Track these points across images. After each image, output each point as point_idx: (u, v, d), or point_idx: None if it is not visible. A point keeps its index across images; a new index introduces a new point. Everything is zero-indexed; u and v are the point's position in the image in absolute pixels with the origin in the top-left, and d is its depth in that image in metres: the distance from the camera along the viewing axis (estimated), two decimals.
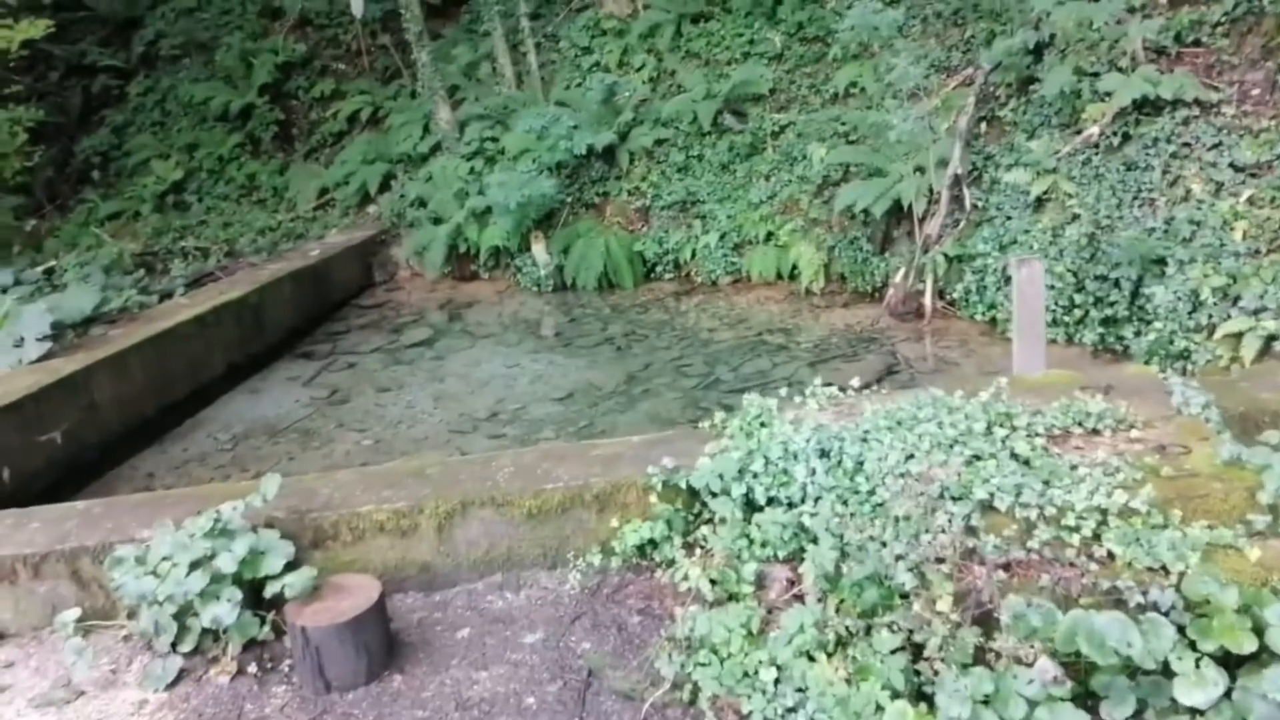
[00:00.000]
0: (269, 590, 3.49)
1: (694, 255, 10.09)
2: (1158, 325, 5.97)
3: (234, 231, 12.53)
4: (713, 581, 3.41)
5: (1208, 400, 3.75)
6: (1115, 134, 7.11)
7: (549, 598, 3.79)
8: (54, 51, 15.25)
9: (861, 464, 3.34)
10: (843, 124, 9.69)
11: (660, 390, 7.51)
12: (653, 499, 3.83)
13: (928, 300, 8.13)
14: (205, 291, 8.64)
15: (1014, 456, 3.31)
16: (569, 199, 10.78)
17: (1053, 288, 7.03)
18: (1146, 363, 6.05)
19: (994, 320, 7.69)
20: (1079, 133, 7.38)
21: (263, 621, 3.56)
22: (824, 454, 3.45)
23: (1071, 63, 7.46)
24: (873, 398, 4.12)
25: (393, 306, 10.57)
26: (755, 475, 3.60)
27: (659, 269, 10.31)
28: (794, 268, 9.35)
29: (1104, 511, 3.00)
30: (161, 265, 11.44)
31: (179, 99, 14.35)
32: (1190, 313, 5.82)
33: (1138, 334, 6.40)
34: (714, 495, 3.67)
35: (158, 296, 9.29)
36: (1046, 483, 3.12)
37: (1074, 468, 3.23)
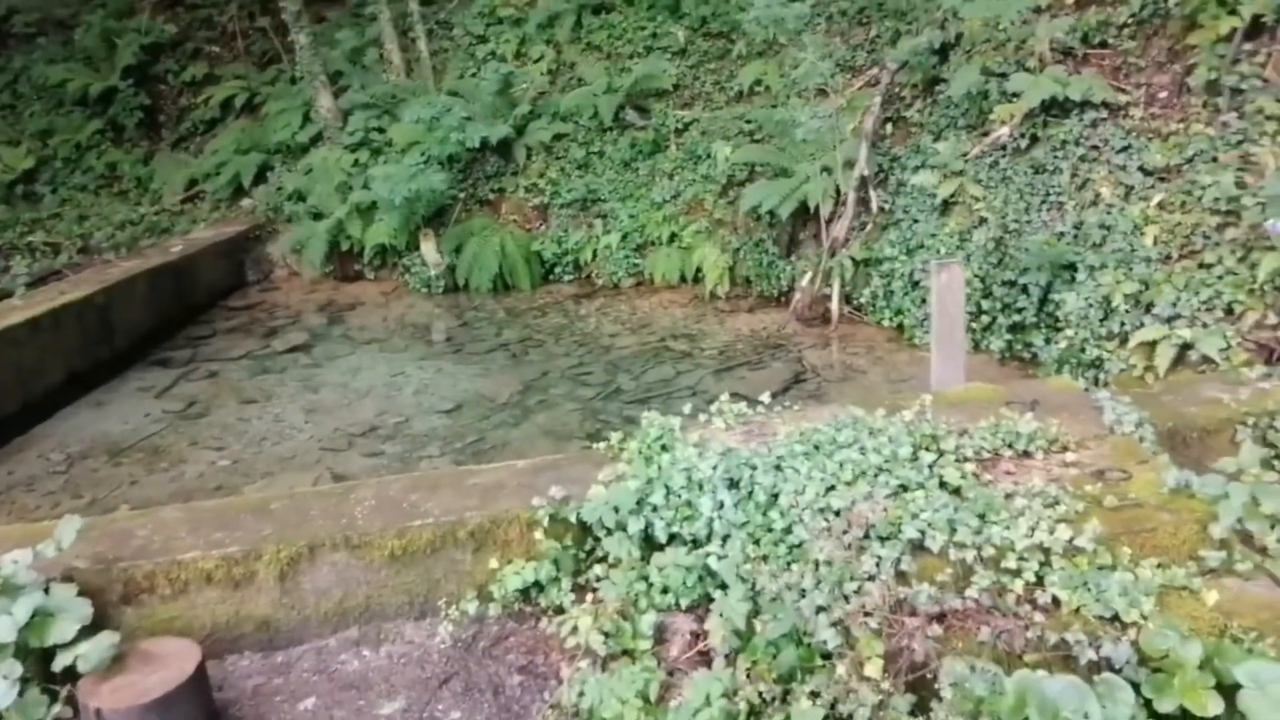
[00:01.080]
0: (59, 662, 2.84)
1: (595, 256, 9.60)
2: (1068, 333, 5.78)
3: (91, 225, 11.42)
4: (605, 634, 2.93)
5: (1141, 418, 3.46)
6: (1023, 136, 6.95)
7: (415, 655, 3.23)
8: None
9: (776, 496, 2.90)
10: (748, 122, 9.36)
11: (557, 401, 6.99)
12: (538, 535, 3.32)
13: (834, 305, 7.84)
14: (46, 292, 7.68)
15: (944, 486, 2.94)
16: (462, 195, 10.15)
17: None
18: (1057, 371, 5.86)
19: (901, 326, 7.44)
20: (986, 134, 7.20)
21: (53, 699, 2.89)
22: (733, 484, 3.01)
23: (978, 63, 7.28)
24: (786, 416, 3.71)
25: (266, 308, 9.72)
26: (655, 508, 3.13)
27: (558, 270, 9.78)
28: (698, 270, 8.96)
29: (1047, 551, 2.64)
30: (3, 261, 10.31)
31: (32, 81, 13.06)
32: (1102, 320, 5.64)
33: (1047, 341, 6.21)
34: (608, 532, 3.18)
35: None
36: (982, 517, 2.74)
37: (1009, 498, 2.87)
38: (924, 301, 7.21)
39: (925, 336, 7.11)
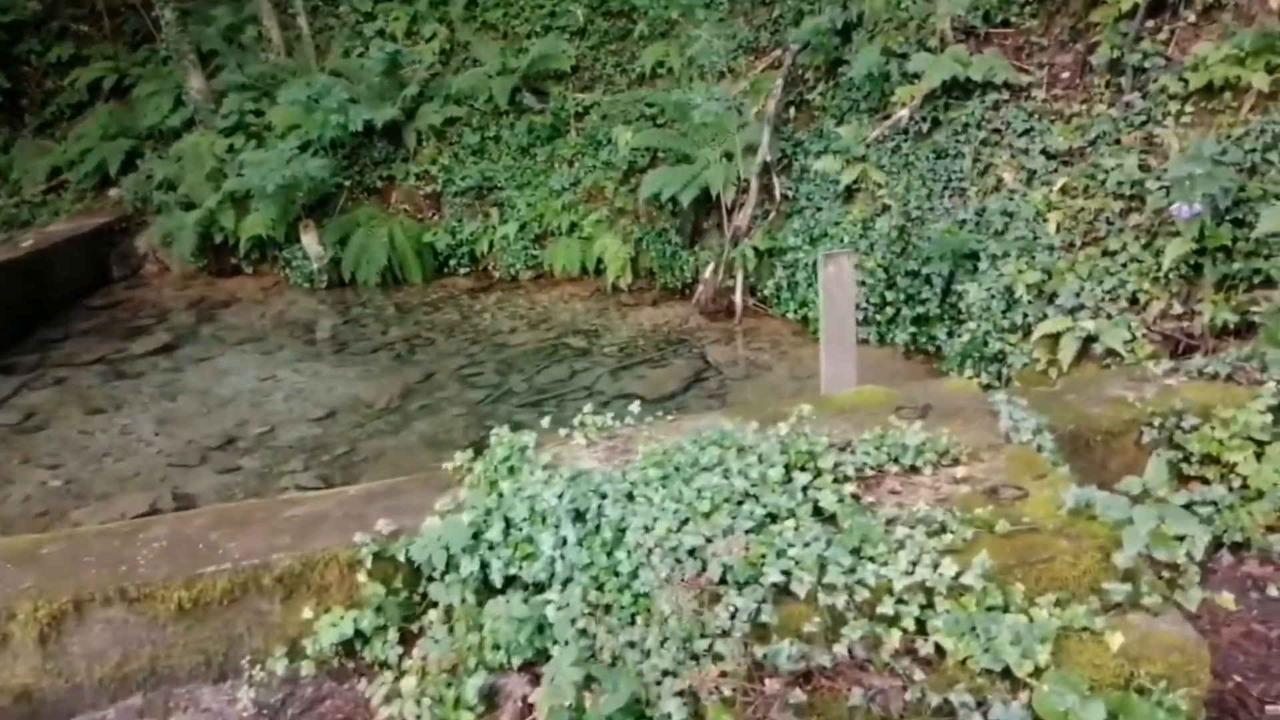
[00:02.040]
0: None
1: (492, 248, 9.07)
2: (971, 325, 5.51)
3: None
4: (428, 699, 2.47)
5: (1039, 424, 3.14)
6: (924, 119, 6.67)
7: None
8: None
9: (623, 532, 2.47)
10: (650, 105, 8.93)
11: (442, 406, 6.47)
12: (361, 578, 2.84)
13: (738, 298, 7.48)
14: None
15: (818, 513, 2.55)
16: (347, 183, 9.50)
17: (863, 284, 6.52)
18: (961, 364, 5.59)
19: (806, 319, 7.11)
20: (888, 118, 6.91)
21: None
22: (579, 516, 2.57)
23: (880, 43, 6.98)
24: (655, 428, 3.28)
25: (130, 307, 8.95)
26: (492, 546, 2.68)
27: (453, 262, 9.22)
28: (599, 262, 8.51)
29: (929, 591, 2.27)
30: None
31: None
32: (1004, 312, 5.38)
33: (950, 334, 5.94)
34: (438, 575, 2.72)
35: None
36: (857, 551, 2.36)
37: (891, 525, 2.49)
38: None
39: None
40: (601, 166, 8.89)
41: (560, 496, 2.65)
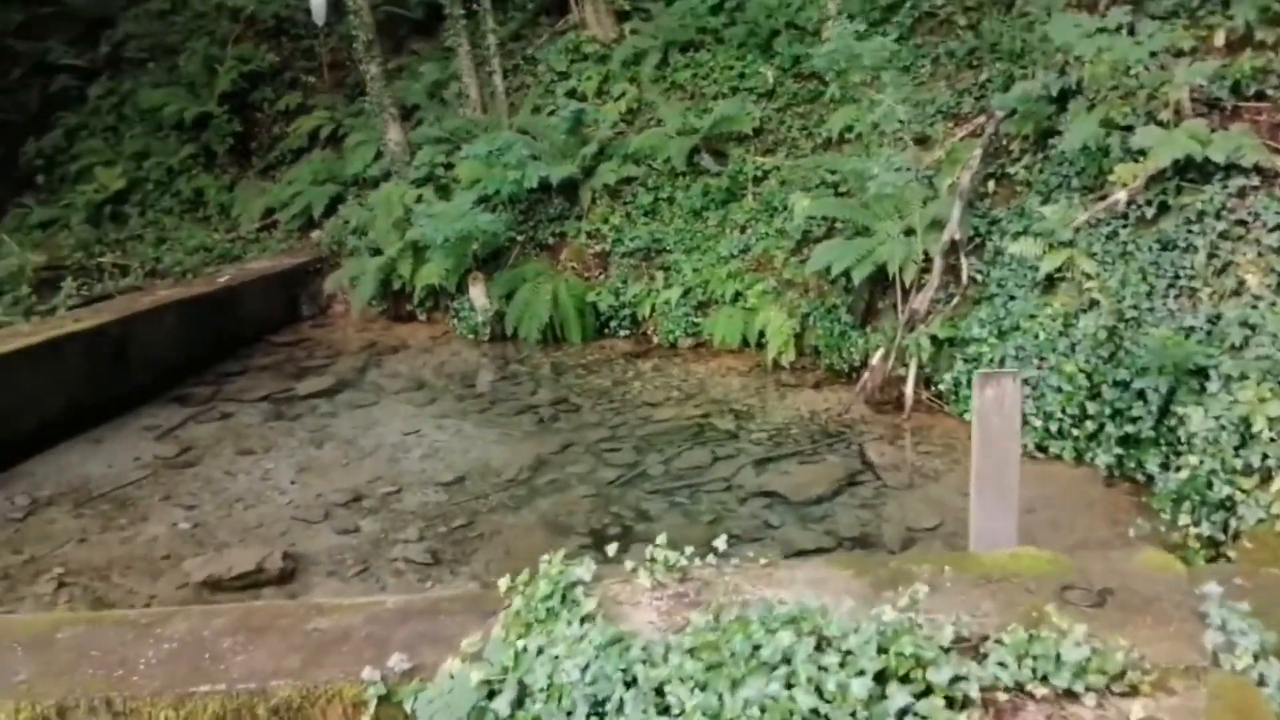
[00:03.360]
0: None
1: (653, 311, 8.71)
2: (1192, 460, 4.47)
3: (166, 249, 11.39)
4: None
5: (1263, 644, 2.27)
6: (1149, 203, 5.66)
7: None
8: (17, 47, 14.40)
9: None
10: (831, 172, 8.30)
11: (571, 482, 6.09)
12: None
13: (909, 390, 6.66)
14: (53, 321, 7.38)
15: None
16: (521, 238, 9.48)
17: (1060, 390, 5.57)
18: (1175, 506, 4.55)
19: None
20: (1103, 198, 5.94)
21: None
22: (596, 708, 2.02)
23: (1100, 113, 6.04)
24: (744, 572, 2.69)
25: (309, 346, 9.28)
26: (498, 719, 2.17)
27: (613, 324, 8.93)
28: (761, 335, 7.92)
29: None
30: (77, 281, 10.30)
31: (136, 104, 13.30)
32: (1237, 448, 4.31)
33: (1165, 465, 4.89)
34: None
35: (24, 317, 8.12)
36: None
37: None
38: None
39: None
40: (774, 234, 8.35)
41: (584, 671, 2.11)
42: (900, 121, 6.55)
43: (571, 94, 10.62)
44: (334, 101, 12.73)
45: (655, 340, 8.69)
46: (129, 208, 12.35)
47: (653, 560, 2.73)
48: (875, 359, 6.89)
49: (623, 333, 8.90)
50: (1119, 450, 5.29)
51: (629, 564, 2.76)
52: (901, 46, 8.85)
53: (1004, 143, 7.25)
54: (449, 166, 10.15)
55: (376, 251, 9.84)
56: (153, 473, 6.34)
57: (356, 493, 6.00)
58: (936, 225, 6.90)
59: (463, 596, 2.98)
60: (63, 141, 13.37)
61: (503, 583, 2.74)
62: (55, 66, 14.18)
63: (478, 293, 9.02)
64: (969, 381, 6.31)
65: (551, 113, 10.29)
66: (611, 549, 2.89)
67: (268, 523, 5.62)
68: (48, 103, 14.10)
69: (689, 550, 2.81)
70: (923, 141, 8.06)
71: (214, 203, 12.27)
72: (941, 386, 6.62)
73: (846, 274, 7.14)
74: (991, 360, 6.14)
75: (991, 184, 7.12)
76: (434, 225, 8.50)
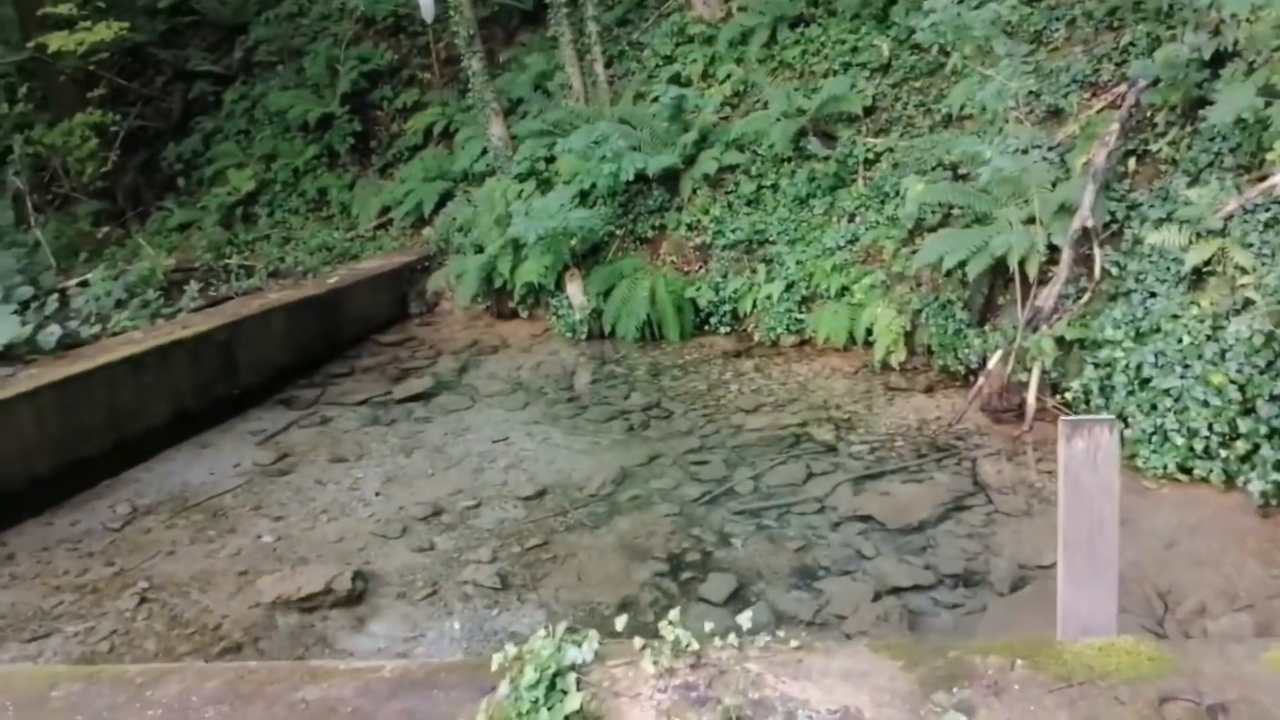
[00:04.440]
0: None
1: (755, 307, 8.26)
2: None
3: (290, 249, 11.78)
4: None
5: None
6: None
7: None
8: (161, 56, 15.23)
9: None
10: (950, 153, 7.60)
11: (654, 499, 5.79)
12: None
13: (1030, 397, 5.99)
14: (164, 327, 7.64)
15: None
16: (620, 231, 9.21)
17: (1207, 404, 4.84)
18: None
19: (1121, 438, 5.47)
20: (1261, 179, 5.09)
21: None
22: None
23: (1259, 79, 5.17)
24: (764, 657, 2.31)
25: (413, 345, 9.33)
26: None
27: (713, 320, 8.54)
28: (869, 332, 7.36)
29: None
30: (202, 283, 10.77)
31: (266, 108, 13.80)
32: None
33: None
34: None
35: (149, 320, 8.49)
36: None
37: None
38: (1154, 407, 5.24)
39: (1153, 456, 5.17)
40: (885, 223, 7.73)
41: None
42: (1014, 101, 5.81)
43: (676, 79, 10.23)
44: (447, 97, 12.79)
45: (756, 338, 8.24)
46: (258, 208, 12.85)
47: (661, 641, 2.39)
48: (992, 362, 6.24)
49: (723, 329, 8.50)
50: (1277, 476, 4.54)
51: (637, 642, 2.43)
52: (1032, 9, 8.02)
53: (1146, 115, 6.40)
54: (550, 160, 9.98)
55: (479, 249, 9.78)
56: (248, 481, 6.45)
57: (437, 506, 5.90)
58: (1066, 211, 6.15)
59: (462, 665, 2.73)
60: (200, 145, 14.05)
61: (496, 659, 2.47)
62: (194, 73, 14.93)
63: (575, 290, 8.82)
64: (1101, 389, 5.63)
65: (654, 100, 9.93)
66: (620, 623, 2.55)
67: (348, 537, 5.59)
68: (188, 108, 14.88)
69: (708, 627, 2.45)
70: (1055, 115, 7.26)
71: (336, 202, 12.58)
72: (1070, 394, 5.92)
73: (961, 267, 6.49)
74: (1126, 366, 5.41)
75: (1131, 163, 6.30)
76: (527, 222, 8.33)
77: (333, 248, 11.62)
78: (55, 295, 9.35)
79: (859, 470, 5.89)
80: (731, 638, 2.40)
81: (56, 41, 11.04)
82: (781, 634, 2.42)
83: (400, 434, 7.18)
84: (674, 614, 2.45)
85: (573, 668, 2.29)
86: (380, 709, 2.48)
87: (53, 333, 7.93)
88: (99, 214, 13.18)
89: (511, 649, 2.46)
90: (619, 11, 11.76)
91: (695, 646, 2.36)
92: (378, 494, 6.17)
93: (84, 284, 10.09)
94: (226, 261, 11.16)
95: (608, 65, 11.11)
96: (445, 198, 11.18)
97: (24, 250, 11.95)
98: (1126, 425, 5.38)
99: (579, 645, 2.34)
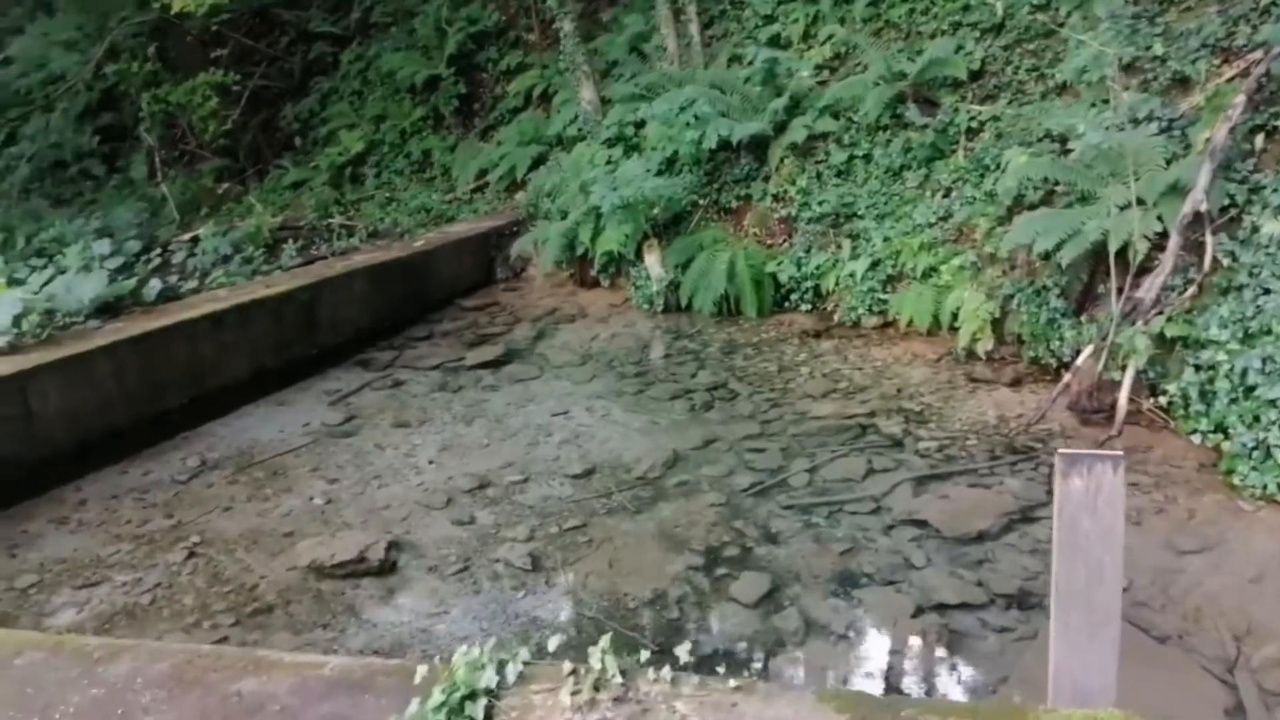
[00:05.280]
0: None
1: (837, 284, 7.85)
2: None
3: (392, 210, 12.03)
4: None
5: None
6: None
7: None
8: (286, 17, 15.71)
9: None
10: (1051, 125, 6.93)
11: (702, 486, 5.59)
12: None
13: (1122, 398, 5.43)
14: (250, 285, 7.88)
15: None
16: (703, 201, 8.91)
17: None
18: None
19: (1220, 451, 4.90)
20: None
21: None
22: None
23: None
24: (694, 698, 2.11)
25: (494, 311, 9.35)
26: None
27: (794, 297, 8.19)
28: (955, 317, 6.87)
29: None
30: (303, 241, 11.13)
31: (379, 69, 14.06)
32: None
33: None
34: None
35: (247, 277, 8.83)
36: None
37: None
38: (1257, 419, 4.65)
39: (1252, 474, 4.62)
40: (982, 199, 7.16)
41: None
42: (1112, 68, 5.19)
43: (775, 40, 9.78)
44: (547, 60, 12.67)
45: (837, 317, 7.84)
46: (366, 169, 13.16)
47: (586, 670, 2.21)
48: (1082, 357, 5.69)
49: (804, 307, 8.14)
50: None
51: (565, 666, 2.26)
52: None
53: None
54: (640, 125, 9.73)
55: (565, 214, 9.69)
56: (314, 440, 6.59)
57: (485, 479, 5.87)
58: (1177, 192, 5.51)
59: (401, 670, 2.61)
60: (317, 105, 14.48)
61: (420, 670, 2.35)
62: (315, 34, 15.34)
63: (652, 261, 8.61)
64: (1201, 394, 5.06)
65: (749, 63, 9.52)
66: (554, 643, 2.39)
67: (394, 504, 5.63)
68: (308, 69, 15.33)
69: (643, 656, 2.26)
70: (1182, 83, 6.52)
71: (438, 164, 12.74)
72: (1168, 398, 5.34)
73: (1056, 251, 5.93)
74: (1230, 371, 4.82)
75: (1259, 139, 5.57)
76: (602, 190, 8.15)
77: (430, 209, 11.79)
78: (162, 249, 9.87)
79: (923, 469, 5.51)
80: (666, 671, 2.20)
81: (179, 3, 11.48)
82: (722, 671, 2.21)
83: (465, 401, 7.20)
84: (605, 640, 2.27)
85: (487, 691, 2.15)
86: (308, 710, 2.42)
87: (154, 287, 8.36)
88: (221, 170, 13.83)
89: (438, 663, 2.34)
90: None
91: (619, 680, 2.18)
92: (431, 462, 6.20)
93: (194, 240, 10.61)
94: (330, 221, 11.48)
95: (707, 26, 10.74)
96: (538, 162, 11.12)
97: (150, 204, 12.71)
98: (1226, 437, 4.80)
99: (500, 667, 2.20)
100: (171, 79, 13.11)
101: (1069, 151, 6.76)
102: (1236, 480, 4.60)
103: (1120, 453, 2.17)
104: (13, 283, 8.27)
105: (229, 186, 13.34)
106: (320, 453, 6.42)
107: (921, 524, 4.93)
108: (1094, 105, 6.27)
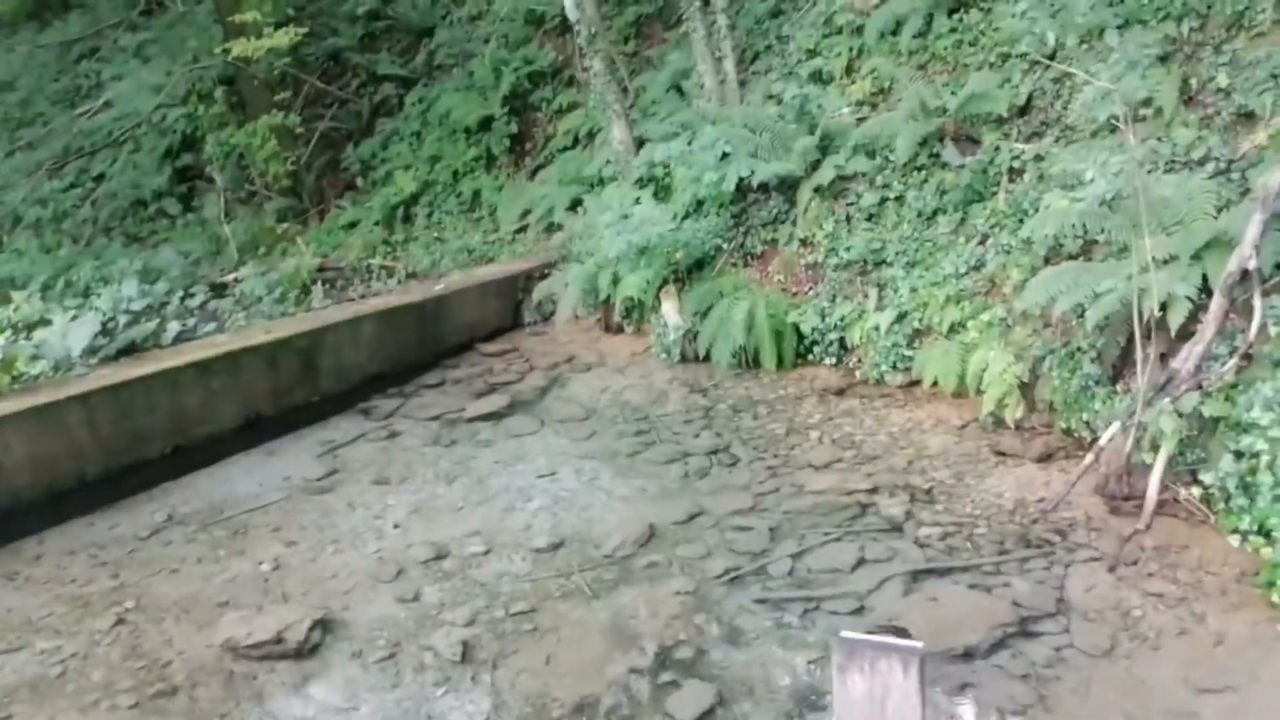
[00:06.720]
0: None
1: (863, 337, 7.19)
2: None
3: (436, 250, 11.94)
4: None
5: None
6: None
7: None
8: (356, 60, 16.03)
9: None
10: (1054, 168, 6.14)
11: (672, 569, 5.10)
12: None
13: (1153, 485, 4.62)
14: (247, 331, 7.77)
15: None
16: (728, 245, 8.38)
17: None
18: None
19: (1261, 556, 4.07)
20: None
21: None
22: None
23: None
24: None
25: (511, 358, 9.01)
26: None
27: (818, 350, 7.55)
28: (981, 379, 6.13)
29: None
30: (343, 282, 11.11)
31: (438, 110, 14.12)
32: None
33: None
34: None
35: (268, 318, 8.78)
36: None
37: None
38: None
39: None
40: (1019, 247, 6.41)
41: None
42: (1116, 109, 4.45)
43: (817, 75, 9.21)
44: (594, 99, 12.41)
45: (859, 374, 7.17)
46: (419, 209, 13.15)
47: None
48: (1107, 435, 4.91)
49: (828, 360, 7.49)
50: None
51: None
52: None
53: None
54: (667, 166, 9.29)
55: (591, 257, 9.32)
56: (286, 497, 6.34)
57: (444, 549, 5.48)
58: (1224, 245, 4.71)
59: None
60: (379, 146, 14.61)
61: None
62: (383, 76, 15.57)
63: (669, 308, 8.13)
64: (1242, 486, 4.24)
65: (779, 101, 8.98)
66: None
67: (342, 574, 5.30)
68: (375, 111, 15.56)
69: None
70: (1248, 119, 5.68)
71: (487, 204, 12.60)
72: (1208, 486, 4.52)
73: (1081, 312, 5.18)
74: (1273, 462, 4.00)
75: None
76: (613, 234, 7.74)
77: (473, 250, 11.62)
78: (213, 289, 10.00)
79: (920, 561, 4.85)
80: None
81: (238, 48, 11.75)
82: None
83: (454, 458, 6.85)
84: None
85: None
86: None
87: (172, 330, 8.39)
88: (285, 211, 14.06)
89: None
90: (772, 2, 10.81)
91: None
92: (396, 526, 5.85)
93: (237, 281, 10.73)
94: (370, 262, 11.43)
95: (752, 61, 10.26)
96: (576, 202, 10.80)
97: (217, 244, 13.04)
98: (1269, 541, 3.98)
99: None
100: (237, 121, 13.46)
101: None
102: (1276, 597, 3.79)
103: (919, 644, 1.58)
104: (43, 323, 8.47)
105: (288, 226, 13.53)
106: (289, 510, 6.16)
107: (902, 633, 4.26)
108: (1161, 139, 5.49)
